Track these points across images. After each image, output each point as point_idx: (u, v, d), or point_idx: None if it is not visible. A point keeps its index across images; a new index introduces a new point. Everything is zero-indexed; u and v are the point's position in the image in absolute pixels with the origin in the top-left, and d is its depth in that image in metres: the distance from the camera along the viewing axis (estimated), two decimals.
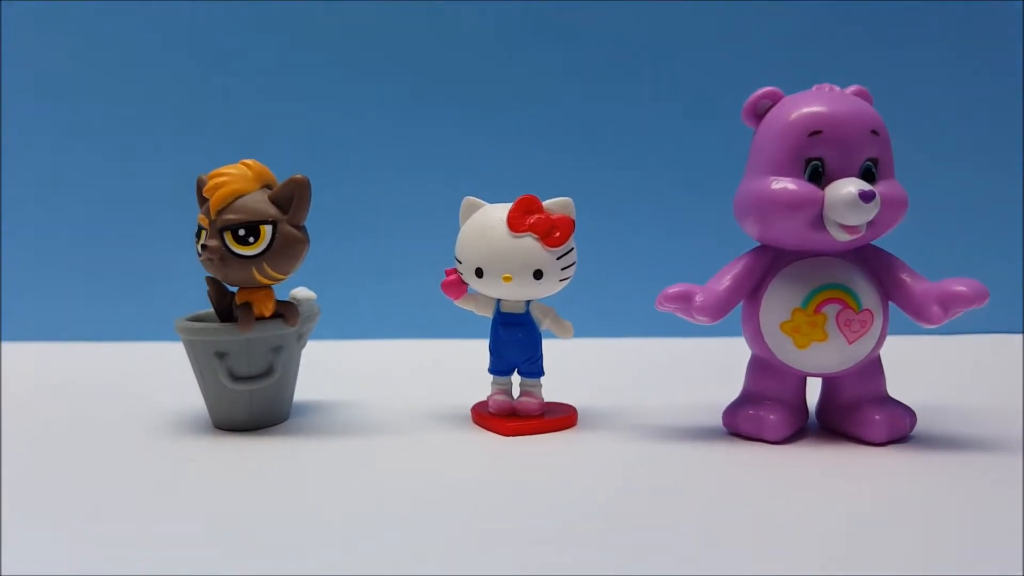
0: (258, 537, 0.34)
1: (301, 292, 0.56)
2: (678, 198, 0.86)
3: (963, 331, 0.81)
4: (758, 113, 0.47)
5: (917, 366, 0.69)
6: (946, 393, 0.58)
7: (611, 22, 0.87)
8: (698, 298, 0.46)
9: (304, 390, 0.59)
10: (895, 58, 0.84)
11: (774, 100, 0.47)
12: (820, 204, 0.43)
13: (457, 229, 0.51)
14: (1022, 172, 0.84)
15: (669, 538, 0.34)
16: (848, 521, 0.35)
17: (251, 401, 0.51)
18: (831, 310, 0.45)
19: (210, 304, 0.52)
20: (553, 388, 0.54)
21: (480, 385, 0.54)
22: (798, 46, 0.85)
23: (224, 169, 0.49)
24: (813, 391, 0.50)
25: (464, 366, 0.67)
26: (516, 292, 0.49)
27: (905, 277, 0.46)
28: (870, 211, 0.42)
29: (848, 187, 0.42)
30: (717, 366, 0.57)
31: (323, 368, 0.69)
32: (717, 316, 0.47)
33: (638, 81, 0.88)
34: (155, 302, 0.86)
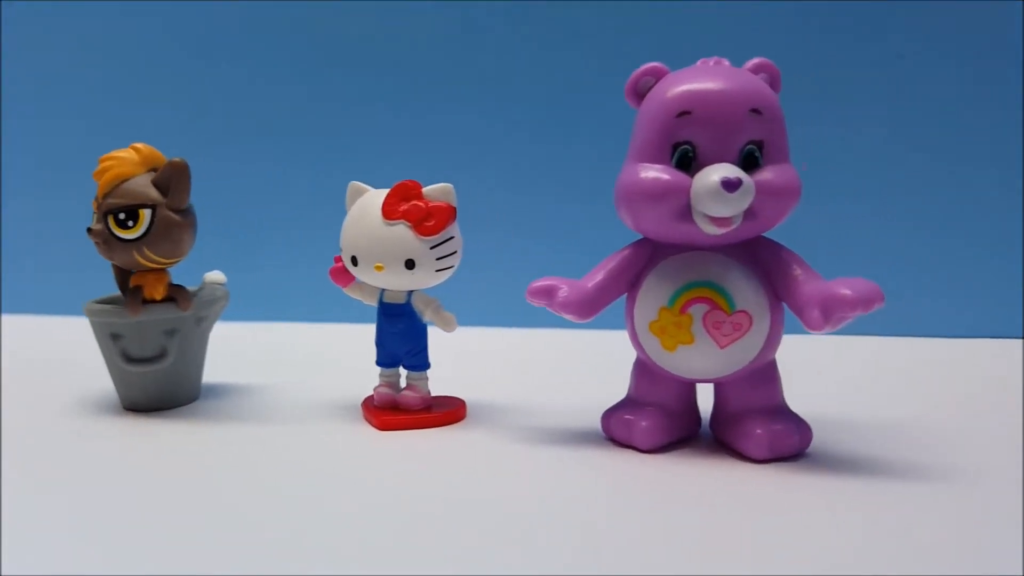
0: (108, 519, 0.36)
1: (212, 275, 0.58)
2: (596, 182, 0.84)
3: (960, 335, 0.76)
4: (639, 92, 0.44)
5: (891, 370, 0.64)
6: (883, 403, 0.54)
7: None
8: (561, 293, 0.44)
9: (224, 370, 0.61)
10: (893, 58, 0.80)
11: (657, 77, 0.43)
12: (687, 193, 0.40)
13: None
14: (1022, 175, 0.78)
15: (475, 540, 0.33)
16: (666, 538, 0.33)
17: (147, 383, 0.53)
18: (698, 310, 0.41)
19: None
20: (453, 379, 0.54)
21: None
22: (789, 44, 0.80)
23: (114, 153, 0.51)
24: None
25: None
26: (390, 282, 0.49)
27: (795, 274, 0.41)
28: (737, 201, 0.39)
29: (713, 175, 0.39)
30: (613, 359, 0.54)
31: (249, 349, 0.72)
32: (584, 313, 0.44)
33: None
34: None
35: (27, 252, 0.97)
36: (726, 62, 0.43)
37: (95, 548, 0.33)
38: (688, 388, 0.46)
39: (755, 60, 0.43)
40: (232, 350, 0.66)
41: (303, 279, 0.86)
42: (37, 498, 0.39)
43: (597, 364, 0.65)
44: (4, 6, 0.95)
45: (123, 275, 0.54)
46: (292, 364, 0.70)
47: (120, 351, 0.52)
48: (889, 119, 0.80)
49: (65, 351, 0.72)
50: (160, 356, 0.53)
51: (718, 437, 0.45)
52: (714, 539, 0.33)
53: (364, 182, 0.50)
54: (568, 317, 0.44)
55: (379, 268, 0.48)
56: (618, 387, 0.48)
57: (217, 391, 0.59)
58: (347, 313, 0.86)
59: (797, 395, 0.45)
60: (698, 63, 0.43)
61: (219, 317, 0.57)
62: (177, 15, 0.92)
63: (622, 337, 0.46)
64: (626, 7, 0.84)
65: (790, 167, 0.41)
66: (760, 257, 0.43)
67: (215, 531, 0.34)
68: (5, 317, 0.93)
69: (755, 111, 0.40)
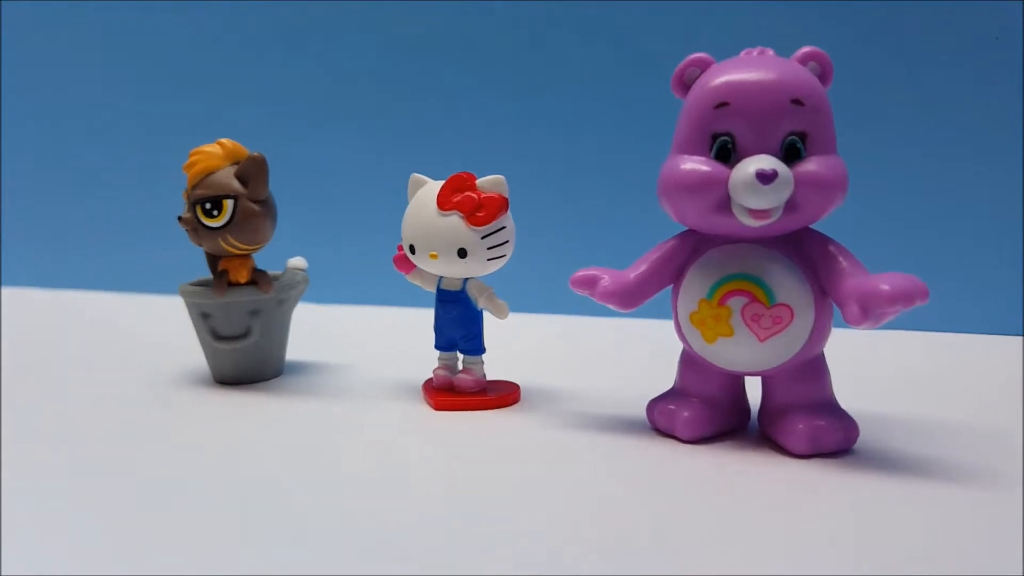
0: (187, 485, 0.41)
1: (294, 261, 0.63)
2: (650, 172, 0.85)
3: (962, 330, 0.74)
4: (686, 83, 0.44)
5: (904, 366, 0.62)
6: (930, 401, 0.52)
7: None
8: (603, 283, 0.45)
9: (308, 349, 0.67)
10: (893, 58, 0.77)
11: (703, 68, 0.44)
12: (725, 185, 0.40)
13: None
14: (1022, 172, 0.74)
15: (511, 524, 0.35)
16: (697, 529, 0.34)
17: (235, 359, 0.59)
18: (736, 303, 0.42)
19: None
20: (512, 363, 0.56)
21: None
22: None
23: (201, 148, 0.56)
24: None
25: None
26: (444, 269, 0.51)
27: (839, 268, 0.41)
28: (773, 193, 0.39)
29: (749, 166, 0.39)
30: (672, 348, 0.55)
31: (333, 329, 0.77)
32: (627, 303, 0.45)
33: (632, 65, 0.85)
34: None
35: (146, 233, 1.07)
36: (770, 52, 0.42)
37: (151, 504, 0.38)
38: (734, 380, 0.46)
39: (804, 49, 0.42)
40: (317, 330, 0.72)
41: (383, 264, 0.92)
42: (123, 455, 0.44)
43: (653, 352, 0.66)
44: None
45: (213, 260, 0.60)
46: (369, 345, 0.75)
47: (209, 329, 0.58)
48: (889, 115, 0.77)
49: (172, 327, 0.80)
50: (245, 334, 0.58)
51: (763, 431, 0.46)
52: (727, 533, 0.34)
53: (432, 172, 0.53)
54: (610, 306, 0.46)
55: (433, 256, 0.50)
56: (670, 376, 0.49)
57: (299, 368, 0.64)
58: (421, 298, 0.91)
59: (846, 391, 0.45)
60: (742, 54, 0.43)
61: (300, 299, 0.62)
62: (242, 10, 0.99)
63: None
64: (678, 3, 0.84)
65: (836, 158, 0.41)
66: (806, 250, 0.42)
67: (261, 501, 0.38)
68: (116, 295, 1.04)
69: (796, 101, 0.40)
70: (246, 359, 0.59)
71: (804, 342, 0.42)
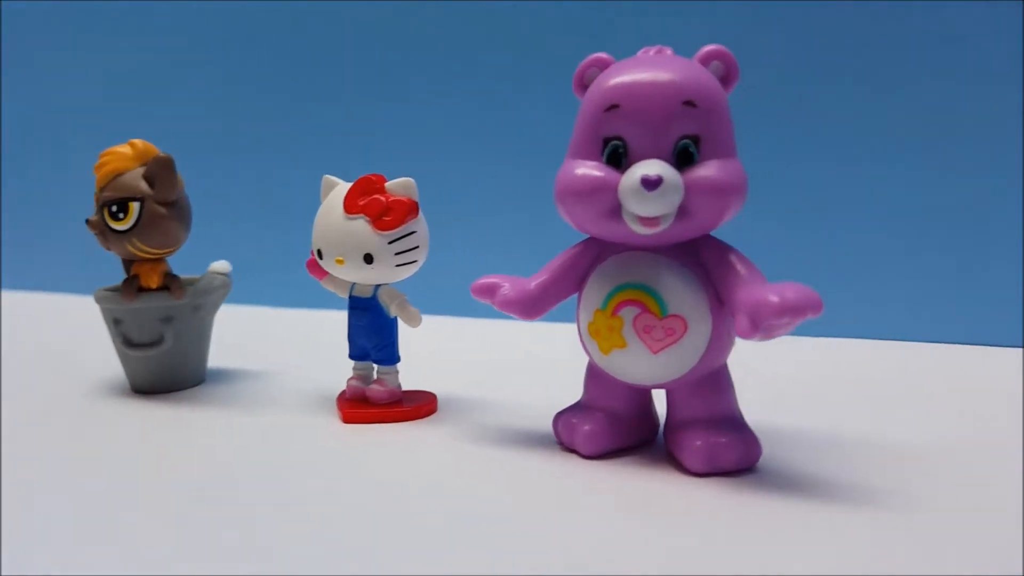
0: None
1: (217, 265, 0.62)
2: None
3: (959, 342, 0.72)
4: (586, 84, 0.43)
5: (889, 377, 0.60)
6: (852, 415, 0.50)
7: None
8: (503, 291, 0.44)
9: (238, 354, 0.66)
10: (892, 64, 0.76)
11: (603, 69, 0.42)
12: (615, 191, 0.39)
13: None
14: (1022, 181, 0.72)
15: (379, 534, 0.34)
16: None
17: (149, 367, 0.58)
18: (628, 313, 0.41)
19: None
20: (433, 372, 0.55)
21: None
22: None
23: (112, 149, 0.55)
24: None
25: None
26: (351, 275, 0.50)
27: (734, 278, 0.40)
28: (659, 200, 0.38)
29: (636, 172, 0.38)
30: None
31: (270, 334, 0.76)
32: (528, 312, 0.44)
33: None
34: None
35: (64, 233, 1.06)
36: (668, 51, 0.41)
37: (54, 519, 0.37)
38: (639, 393, 0.45)
39: (707, 48, 0.41)
40: (250, 335, 0.71)
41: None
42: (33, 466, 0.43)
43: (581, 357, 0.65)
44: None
45: (127, 264, 0.59)
46: (300, 350, 0.74)
47: (121, 335, 0.57)
48: (889, 125, 0.76)
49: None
50: (157, 342, 0.57)
51: (667, 446, 0.44)
52: (608, 549, 0.33)
53: (355, 173, 0.52)
54: (511, 315, 0.45)
55: (340, 262, 0.49)
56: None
57: (223, 376, 0.63)
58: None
59: (775, 403, 0.44)
60: (639, 52, 0.42)
61: (220, 305, 0.61)
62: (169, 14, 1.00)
63: None
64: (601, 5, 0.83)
65: (733, 163, 0.39)
66: (703, 258, 0.41)
67: (154, 515, 0.38)
68: (34, 295, 1.03)
69: (689, 103, 0.38)
70: (160, 367, 0.58)
71: (701, 355, 0.41)
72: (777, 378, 0.60)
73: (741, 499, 0.38)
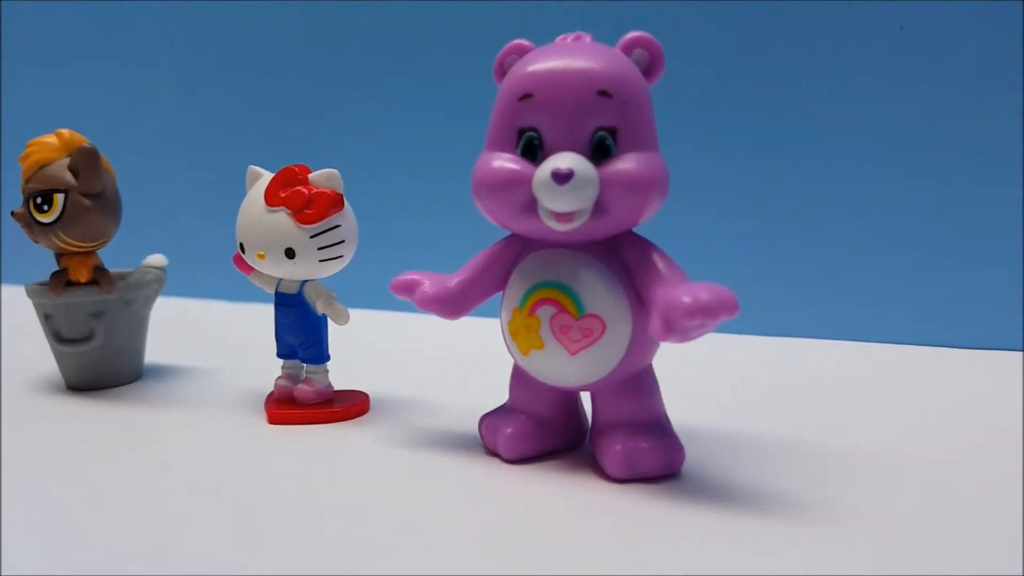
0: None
1: (152, 259, 0.61)
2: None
3: (958, 346, 0.70)
4: (505, 72, 0.42)
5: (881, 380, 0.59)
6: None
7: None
8: (422, 288, 0.43)
9: (179, 349, 0.65)
10: (900, 63, 0.73)
11: (521, 55, 0.41)
12: (527, 184, 0.38)
13: None
14: (1022, 183, 0.70)
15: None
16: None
17: (80, 362, 0.57)
18: (545, 313, 0.39)
19: None
20: (367, 369, 0.55)
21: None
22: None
23: (38, 139, 0.54)
24: None
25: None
26: (273, 270, 0.49)
27: (654, 276, 0.38)
28: (571, 195, 0.36)
29: (547, 165, 0.37)
30: None
31: (215, 328, 0.76)
32: (449, 311, 0.43)
33: None
34: None
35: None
36: (588, 38, 0.40)
37: None
38: (564, 395, 0.44)
39: (630, 35, 0.40)
40: (193, 328, 0.70)
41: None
42: None
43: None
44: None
45: (59, 258, 0.58)
46: (242, 346, 0.72)
47: (52, 331, 0.56)
48: (886, 127, 0.74)
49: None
50: (88, 337, 0.56)
51: (592, 450, 0.43)
52: (523, 556, 0.32)
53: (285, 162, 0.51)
54: (431, 313, 0.43)
55: (261, 256, 0.48)
56: None
57: (159, 372, 0.62)
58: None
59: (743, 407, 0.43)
60: (556, 39, 0.40)
61: (154, 300, 0.60)
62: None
63: None
64: None
65: (653, 156, 0.38)
66: (626, 257, 0.40)
67: (75, 513, 0.37)
68: None
69: (603, 93, 0.37)
70: (93, 363, 0.57)
71: (621, 357, 0.40)
72: (766, 382, 0.59)
73: (657, 505, 0.37)
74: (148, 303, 0.60)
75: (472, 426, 0.48)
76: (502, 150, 0.39)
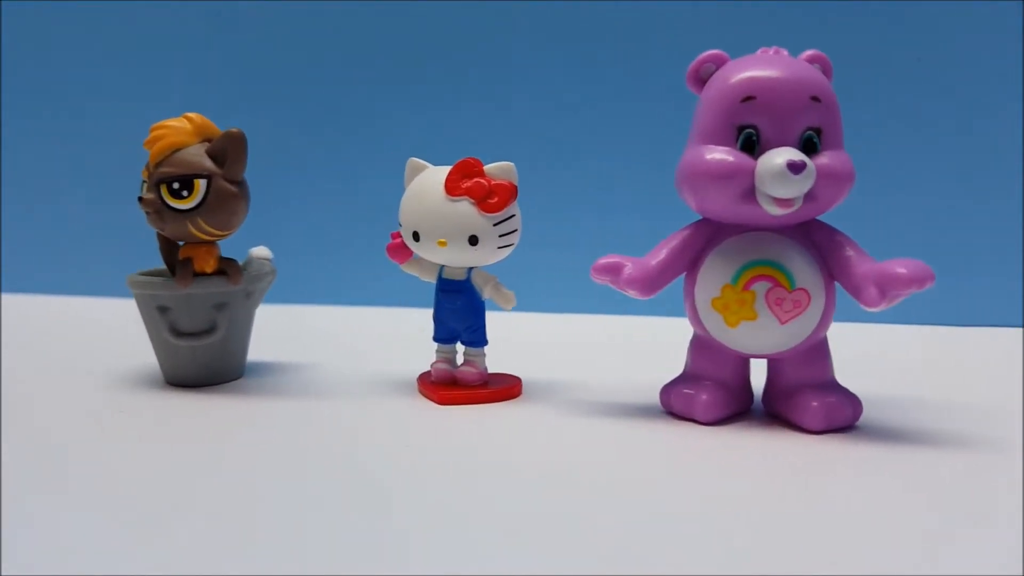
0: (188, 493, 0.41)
1: (258, 251, 0.63)
2: (638, 170, 0.93)
3: (963, 323, 0.85)
4: (702, 78, 0.50)
5: (902, 357, 0.71)
6: (921, 385, 0.61)
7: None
8: (627, 270, 0.50)
9: (261, 350, 0.66)
10: (896, 50, 0.89)
11: (718, 64, 0.49)
12: (751, 175, 0.46)
13: None
14: (1022, 163, 0.87)
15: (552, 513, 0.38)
16: (747, 512, 0.39)
17: (195, 357, 0.58)
18: (761, 288, 0.48)
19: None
20: (503, 358, 0.59)
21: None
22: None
23: (165, 122, 0.55)
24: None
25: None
26: (452, 258, 0.54)
27: (849, 255, 0.48)
28: (801, 183, 0.45)
29: (777, 157, 0.45)
30: (663, 344, 0.61)
31: (281, 329, 0.77)
32: (648, 290, 0.50)
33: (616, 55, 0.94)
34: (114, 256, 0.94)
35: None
36: (785, 52, 0.49)
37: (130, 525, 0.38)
38: (744, 364, 0.52)
39: (809, 52, 0.49)
40: (267, 331, 0.71)
41: (327, 261, 0.94)
42: (85, 472, 0.43)
43: (642, 349, 0.72)
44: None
45: (169, 248, 0.59)
46: (327, 345, 0.75)
47: (168, 324, 0.57)
48: (889, 107, 0.88)
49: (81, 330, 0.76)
50: (210, 330, 0.57)
51: (772, 410, 0.52)
52: (777, 508, 0.39)
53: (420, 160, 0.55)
54: (632, 294, 0.50)
55: (442, 244, 0.53)
56: (667, 371, 0.54)
57: (261, 369, 0.64)
58: (373, 296, 0.93)
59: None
60: (758, 52, 0.49)
61: (265, 294, 0.62)
62: None
63: (667, 323, 0.52)
64: None
65: (845, 154, 0.48)
66: (814, 238, 0.49)
67: (280, 508, 0.39)
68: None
69: (815, 98, 0.46)
70: (209, 358, 0.58)
71: (816, 324, 0.49)
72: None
73: (861, 450, 0.46)
74: (261, 296, 0.61)
75: (630, 399, 0.55)
76: (717, 144, 0.47)
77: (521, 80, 0.95)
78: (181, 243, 0.58)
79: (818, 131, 0.47)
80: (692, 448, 0.47)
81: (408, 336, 0.69)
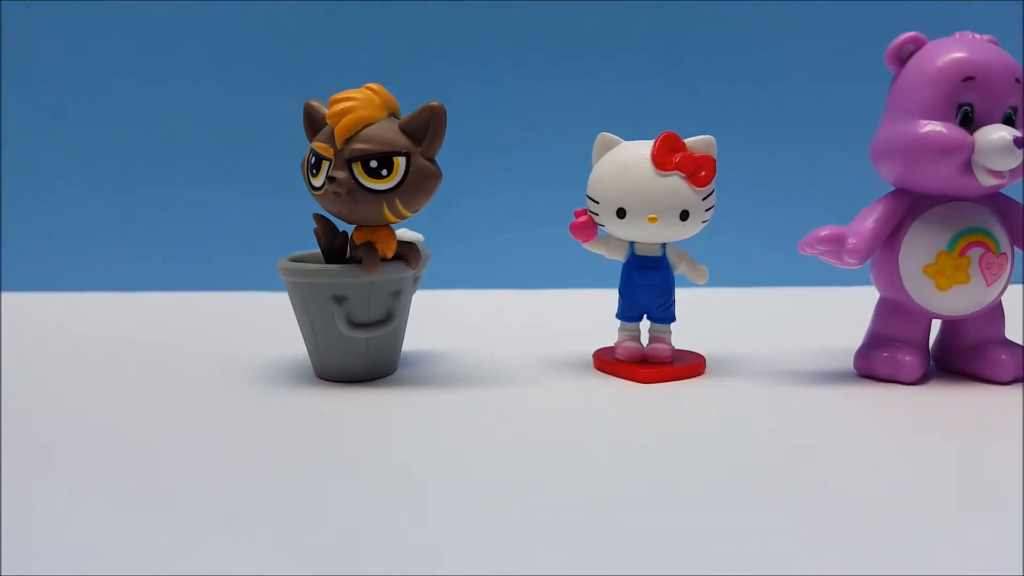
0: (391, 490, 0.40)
1: (407, 233, 0.60)
2: (816, 147, 1.01)
3: None
4: (901, 58, 0.56)
5: None
6: None
7: None
8: (851, 241, 0.55)
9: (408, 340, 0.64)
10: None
11: (917, 45, 0.55)
12: (970, 149, 0.52)
13: (587, 169, 0.57)
14: None
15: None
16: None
17: (368, 349, 0.56)
18: (975, 253, 0.54)
19: (317, 244, 0.56)
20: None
21: (589, 334, 0.62)
22: None
23: (348, 93, 0.52)
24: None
25: (565, 314, 0.77)
26: (660, 234, 0.56)
27: None
28: (1020, 157, 0.52)
29: (1000, 132, 0.52)
30: (826, 315, 0.67)
31: (429, 317, 0.73)
32: (865, 259, 0.55)
33: (773, 24, 1.01)
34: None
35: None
36: (977, 36, 0.56)
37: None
38: (929, 325, 0.59)
39: (988, 36, 0.57)
40: None
41: (469, 246, 0.94)
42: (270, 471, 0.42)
43: (787, 318, 0.78)
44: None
45: (331, 232, 0.56)
46: (466, 331, 0.75)
47: (344, 315, 0.54)
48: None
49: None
50: (386, 319, 0.55)
51: (947, 367, 0.59)
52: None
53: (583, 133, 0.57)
54: (850, 264, 0.55)
55: (652, 220, 0.55)
56: (818, 336, 0.59)
57: (409, 360, 0.62)
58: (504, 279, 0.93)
59: None
60: (956, 35, 0.56)
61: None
62: None
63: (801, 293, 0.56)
64: None
65: None
66: (999, 207, 0.57)
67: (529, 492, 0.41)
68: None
69: (1018, 80, 0.54)
70: (381, 349, 0.56)
71: (1004, 285, 0.56)
72: None
73: None
74: (419, 282, 0.60)
75: (817, 367, 0.60)
76: (935, 120, 0.53)
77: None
78: (342, 229, 0.55)
79: (1015, 109, 0.54)
80: (910, 406, 0.52)
81: (532, 316, 0.69)
